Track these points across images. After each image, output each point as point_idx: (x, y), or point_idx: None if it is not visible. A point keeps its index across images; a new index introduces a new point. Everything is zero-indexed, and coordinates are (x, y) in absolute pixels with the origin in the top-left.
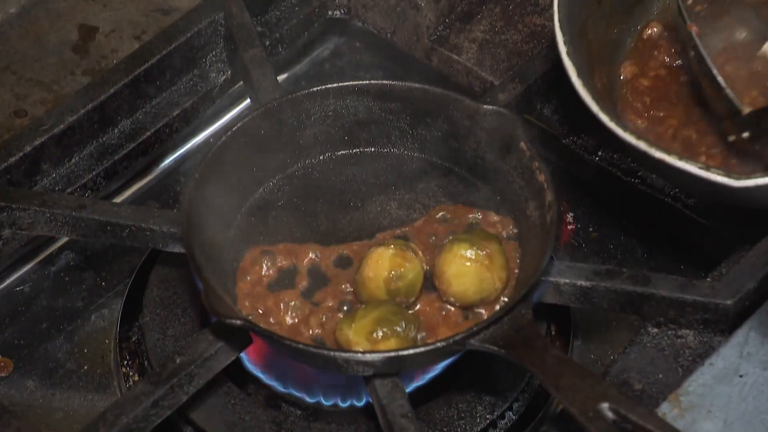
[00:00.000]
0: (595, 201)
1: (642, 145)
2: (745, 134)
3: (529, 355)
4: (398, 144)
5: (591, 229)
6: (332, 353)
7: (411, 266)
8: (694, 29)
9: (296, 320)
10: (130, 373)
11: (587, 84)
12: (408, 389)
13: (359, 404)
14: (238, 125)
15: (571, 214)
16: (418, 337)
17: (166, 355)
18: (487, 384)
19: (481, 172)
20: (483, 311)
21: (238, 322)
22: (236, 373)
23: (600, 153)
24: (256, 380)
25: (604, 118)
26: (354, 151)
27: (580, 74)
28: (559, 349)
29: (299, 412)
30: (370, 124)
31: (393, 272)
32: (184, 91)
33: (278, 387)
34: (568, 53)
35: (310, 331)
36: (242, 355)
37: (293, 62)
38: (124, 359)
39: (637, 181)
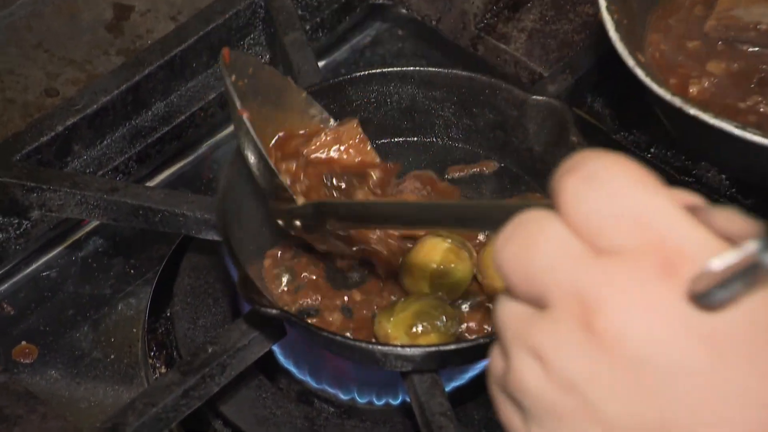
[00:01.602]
0: None
1: (677, 101)
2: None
3: None
4: (442, 134)
5: None
6: (371, 346)
7: (461, 266)
8: (245, 115)
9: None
10: (157, 365)
11: (624, 37)
12: (447, 389)
13: (395, 402)
14: None
15: None
16: (460, 332)
17: (197, 345)
18: None
19: (528, 164)
20: None
21: (274, 311)
22: (268, 366)
23: (653, 150)
24: (288, 374)
25: (640, 72)
26: (396, 140)
27: (618, 29)
28: None
29: (332, 409)
30: (414, 113)
31: (442, 266)
32: (221, 74)
33: (311, 382)
34: (607, 7)
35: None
36: (275, 348)
37: (333, 49)
38: (151, 350)
39: (691, 180)
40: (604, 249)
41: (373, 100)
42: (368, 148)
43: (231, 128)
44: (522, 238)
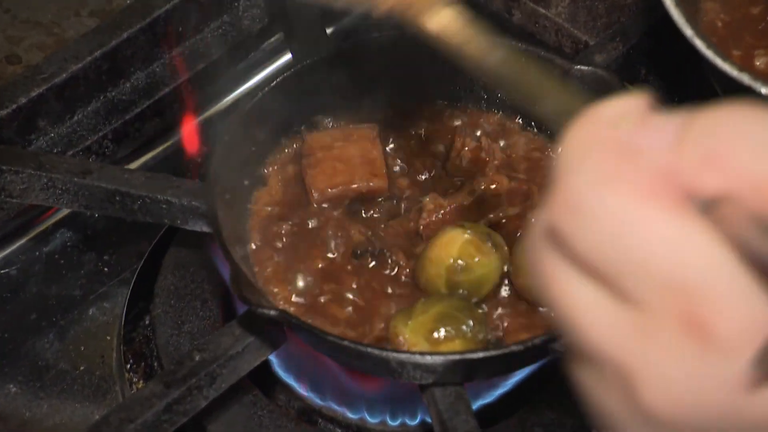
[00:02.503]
0: None
1: (744, 79)
2: None
3: None
4: (470, 107)
5: None
6: (385, 354)
7: (483, 261)
8: None
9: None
10: (135, 379)
11: (679, 2)
12: (474, 407)
13: (412, 423)
14: (278, 80)
15: None
16: (489, 339)
17: (182, 353)
18: (572, 404)
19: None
20: None
21: (273, 312)
22: (265, 379)
23: None
24: (288, 389)
25: (700, 43)
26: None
27: None
28: None
29: (338, 430)
30: (437, 84)
31: (459, 261)
32: (212, 40)
33: (315, 398)
34: None
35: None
36: (272, 357)
37: (341, 13)
38: (128, 360)
39: None
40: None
41: (390, 68)
42: (376, 154)
43: (223, 103)
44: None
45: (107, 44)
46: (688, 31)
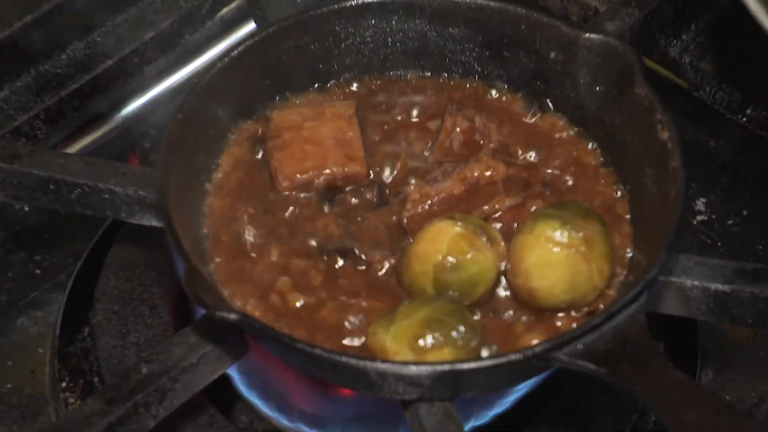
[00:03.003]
0: (737, 180)
1: None
2: None
3: (641, 376)
4: (461, 80)
5: (730, 222)
6: (362, 363)
7: (477, 257)
8: None
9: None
10: (71, 398)
11: None
12: (466, 427)
13: None
14: (239, 51)
15: (703, 199)
16: (483, 348)
17: (127, 365)
18: (579, 421)
19: (577, 124)
20: (574, 316)
21: (233, 316)
22: (223, 395)
23: (749, 111)
24: (251, 408)
25: (753, 3)
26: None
27: None
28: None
29: None
30: (423, 56)
31: (449, 258)
32: (162, 6)
33: (282, 419)
34: None
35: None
36: (233, 372)
37: None
38: (63, 377)
39: None
40: None
41: (368, 38)
42: (353, 134)
43: (176, 79)
44: None
45: (39, 8)
46: None
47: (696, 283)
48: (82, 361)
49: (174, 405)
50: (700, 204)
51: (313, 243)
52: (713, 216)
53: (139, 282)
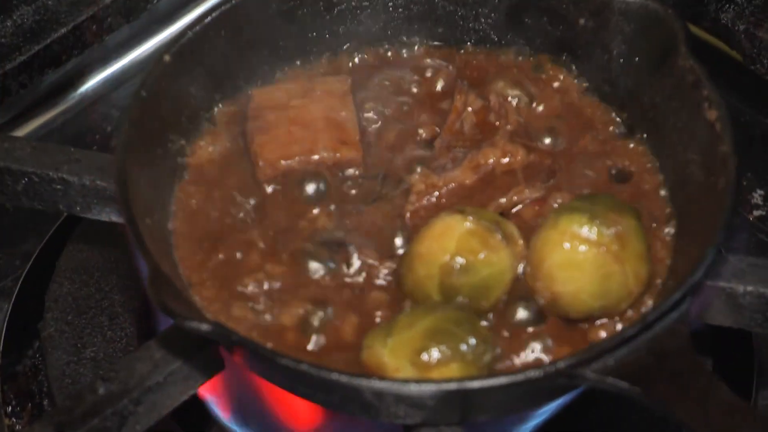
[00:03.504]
0: None
1: None
2: None
3: (682, 398)
4: (475, 49)
5: None
6: (356, 381)
7: (491, 257)
8: None
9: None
10: (17, 426)
11: None
12: None
13: None
14: (215, 15)
15: (761, 191)
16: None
17: (82, 385)
18: None
19: (610, 100)
20: (606, 326)
21: (205, 326)
22: (195, 420)
23: None
24: None
25: None
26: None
27: None
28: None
29: None
30: (430, 22)
31: (458, 259)
32: None
33: None
34: None
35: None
36: (206, 393)
37: None
38: (9, 400)
39: None
40: None
41: (366, 2)
42: (347, 114)
43: (142, 51)
44: None
45: None
46: None
47: (750, 288)
48: (30, 381)
49: (136, 431)
50: (757, 197)
51: (300, 241)
52: None
53: (98, 287)
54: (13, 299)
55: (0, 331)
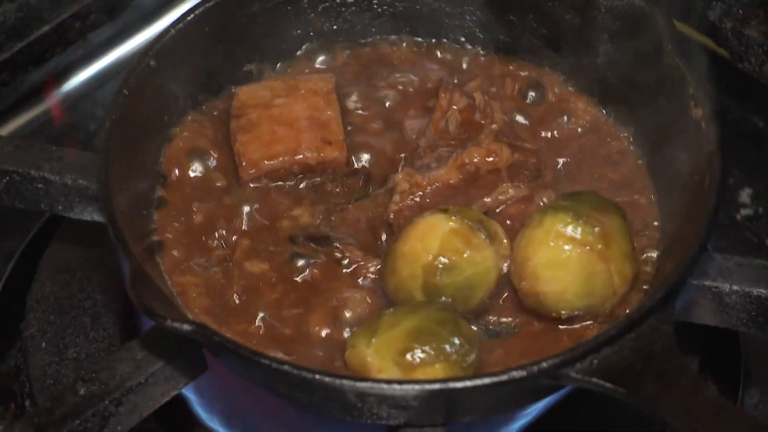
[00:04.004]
0: None
1: None
2: None
3: (668, 398)
4: (458, 54)
5: None
6: (339, 381)
7: (475, 257)
8: None
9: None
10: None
11: None
12: None
13: None
14: (198, 12)
15: (748, 190)
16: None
17: (64, 385)
18: None
19: (596, 100)
20: (591, 326)
21: (187, 326)
22: (177, 421)
23: None
24: None
25: None
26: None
27: None
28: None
29: None
30: (415, 21)
31: (442, 258)
32: None
33: None
34: None
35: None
36: (189, 392)
37: None
38: None
39: None
40: None
41: (349, 0)
42: (331, 114)
43: (125, 49)
44: None
45: None
46: None
47: (735, 287)
48: (11, 380)
49: None
50: (745, 196)
51: (282, 243)
52: (760, 210)
53: (80, 287)
54: None
55: None
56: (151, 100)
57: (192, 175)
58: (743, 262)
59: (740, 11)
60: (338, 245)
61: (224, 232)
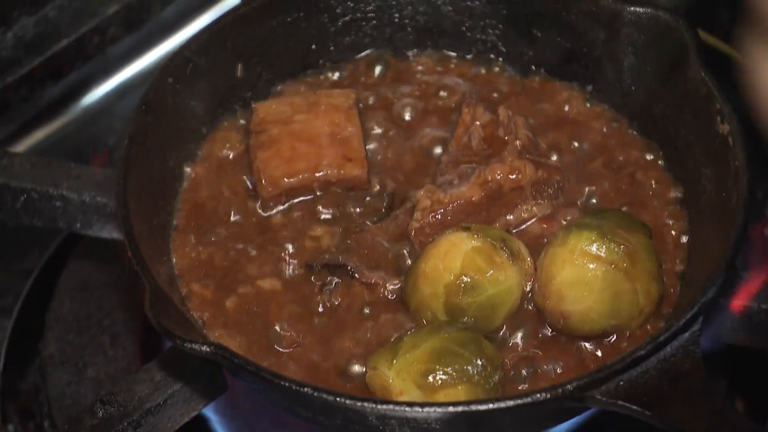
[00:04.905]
0: None
1: None
2: None
3: (695, 421)
4: (482, 67)
5: None
6: (360, 404)
7: (497, 276)
8: None
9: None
10: None
11: None
12: None
13: None
14: (218, 27)
15: None
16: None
17: (83, 407)
18: None
19: (622, 115)
20: (616, 346)
21: (206, 348)
22: None
23: None
24: None
25: None
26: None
27: None
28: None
29: None
30: (437, 34)
31: (464, 278)
32: None
33: None
34: None
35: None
36: (209, 413)
37: None
38: (9, 419)
39: None
40: None
41: (371, 14)
42: (353, 130)
43: (144, 62)
44: None
45: None
46: None
47: (765, 306)
48: (30, 399)
49: None
50: None
51: (304, 261)
52: None
53: (99, 306)
54: (13, 317)
55: (1, 349)
56: (170, 115)
57: (210, 192)
58: None
59: None
60: (356, 275)
61: (240, 251)
